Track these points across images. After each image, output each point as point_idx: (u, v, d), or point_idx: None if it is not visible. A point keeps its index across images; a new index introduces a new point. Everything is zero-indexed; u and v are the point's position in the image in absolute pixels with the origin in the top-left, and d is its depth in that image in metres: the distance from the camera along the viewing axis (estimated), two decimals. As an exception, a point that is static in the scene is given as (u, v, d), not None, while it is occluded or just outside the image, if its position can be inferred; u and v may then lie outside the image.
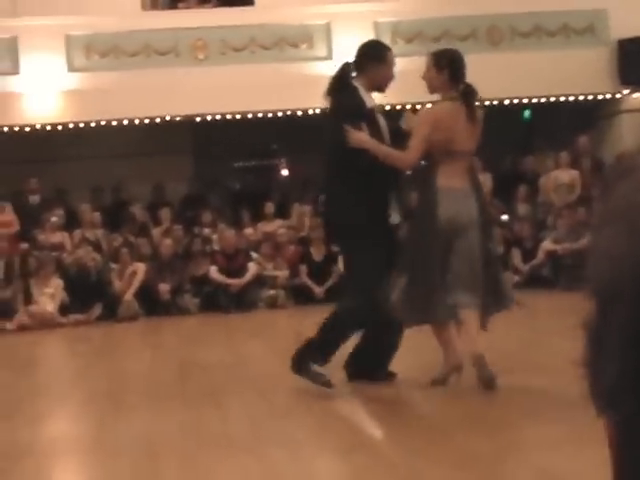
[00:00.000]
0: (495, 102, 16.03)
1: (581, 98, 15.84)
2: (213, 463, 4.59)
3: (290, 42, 15.57)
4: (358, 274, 6.18)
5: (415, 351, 8.21)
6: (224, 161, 17.86)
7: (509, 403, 5.60)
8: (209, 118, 15.64)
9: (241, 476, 4.38)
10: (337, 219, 6.41)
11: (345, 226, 6.31)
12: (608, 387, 0.74)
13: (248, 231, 14.66)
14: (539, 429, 4.89)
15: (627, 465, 0.72)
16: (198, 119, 15.74)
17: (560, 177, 15.05)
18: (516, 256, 13.82)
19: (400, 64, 15.40)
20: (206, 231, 14.71)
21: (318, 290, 13.54)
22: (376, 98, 17.16)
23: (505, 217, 15.01)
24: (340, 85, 6.45)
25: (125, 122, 15.35)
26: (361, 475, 4.69)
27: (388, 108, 15.81)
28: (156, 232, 14.75)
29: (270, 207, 15.23)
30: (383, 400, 6.18)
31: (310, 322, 12.11)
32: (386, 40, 15.71)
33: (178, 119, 15.56)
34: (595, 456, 4.33)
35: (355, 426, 5.44)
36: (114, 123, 15.33)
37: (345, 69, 6.50)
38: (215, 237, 14.35)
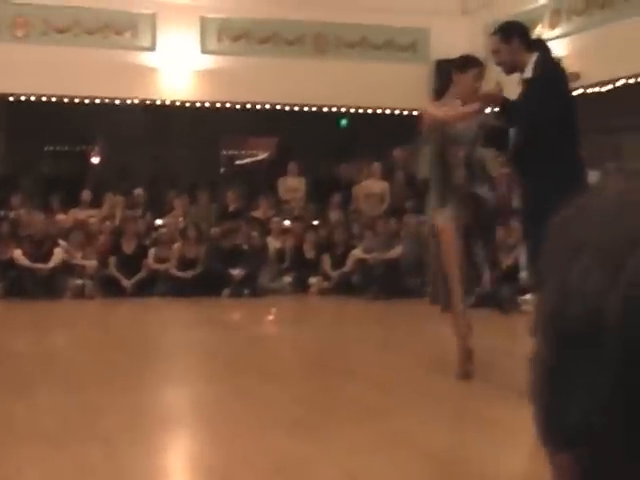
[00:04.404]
0: (314, 108, 16.28)
1: (397, 112, 16.28)
2: (23, 459, 4.47)
3: (114, 29, 15.30)
4: None
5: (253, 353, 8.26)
6: (37, 144, 17.36)
7: (320, 407, 5.70)
8: (23, 98, 15.16)
9: (53, 473, 4.28)
10: None
11: None
12: (571, 424, 0.76)
13: (60, 217, 14.28)
14: (346, 433, 5.01)
15: None
16: (12, 98, 15.24)
17: (371, 187, 15.41)
18: (326, 262, 14.03)
19: (226, 62, 15.60)
20: (14, 214, 14.25)
21: (127, 283, 13.35)
22: (201, 94, 16.79)
23: (316, 222, 15.23)
24: None
25: None
26: (174, 473, 4.68)
27: (208, 105, 15.82)
28: (-40, 212, 14.19)
29: (87, 194, 14.87)
30: (196, 399, 6.19)
31: (117, 315, 12.03)
32: (212, 37, 15.76)
33: (-9, 96, 15.03)
34: (393, 459, 4.49)
35: (168, 423, 5.41)
36: None
37: None
38: (23, 221, 13.92)
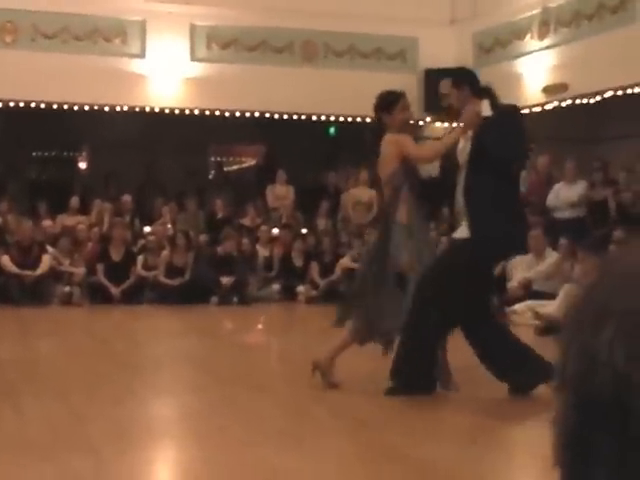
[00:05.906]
0: (303, 116, 16.28)
1: (386, 121, 16.27)
2: (8, 469, 4.43)
3: (103, 35, 15.28)
4: None
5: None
6: (25, 149, 17.32)
7: (309, 418, 5.69)
8: (12, 104, 15.12)
9: (39, 484, 4.25)
10: None
11: None
12: None
13: (47, 223, 14.24)
14: (335, 445, 5.00)
15: None
16: (0, 104, 15.20)
17: (359, 195, 15.42)
18: (314, 270, 14.03)
19: (215, 69, 15.59)
20: (1, 220, 14.19)
21: (115, 290, 13.31)
22: (189, 101, 16.74)
23: (304, 230, 15.23)
24: None
25: None
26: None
27: (197, 113, 15.82)
28: (-53, 218, 14.12)
29: (75, 201, 14.83)
30: (183, 409, 6.16)
31: (104, 322, 11.98)
32: (201, 45, 15.75)
33: (-22, 102, 14.99)
34: (383, 472, 4.47)
35: (156, 434, 5.39)
36: None
37: None
38: (11, 227, 13.87)
